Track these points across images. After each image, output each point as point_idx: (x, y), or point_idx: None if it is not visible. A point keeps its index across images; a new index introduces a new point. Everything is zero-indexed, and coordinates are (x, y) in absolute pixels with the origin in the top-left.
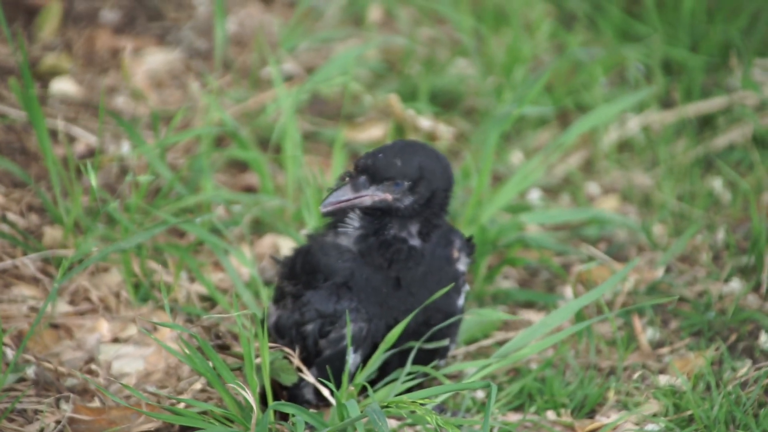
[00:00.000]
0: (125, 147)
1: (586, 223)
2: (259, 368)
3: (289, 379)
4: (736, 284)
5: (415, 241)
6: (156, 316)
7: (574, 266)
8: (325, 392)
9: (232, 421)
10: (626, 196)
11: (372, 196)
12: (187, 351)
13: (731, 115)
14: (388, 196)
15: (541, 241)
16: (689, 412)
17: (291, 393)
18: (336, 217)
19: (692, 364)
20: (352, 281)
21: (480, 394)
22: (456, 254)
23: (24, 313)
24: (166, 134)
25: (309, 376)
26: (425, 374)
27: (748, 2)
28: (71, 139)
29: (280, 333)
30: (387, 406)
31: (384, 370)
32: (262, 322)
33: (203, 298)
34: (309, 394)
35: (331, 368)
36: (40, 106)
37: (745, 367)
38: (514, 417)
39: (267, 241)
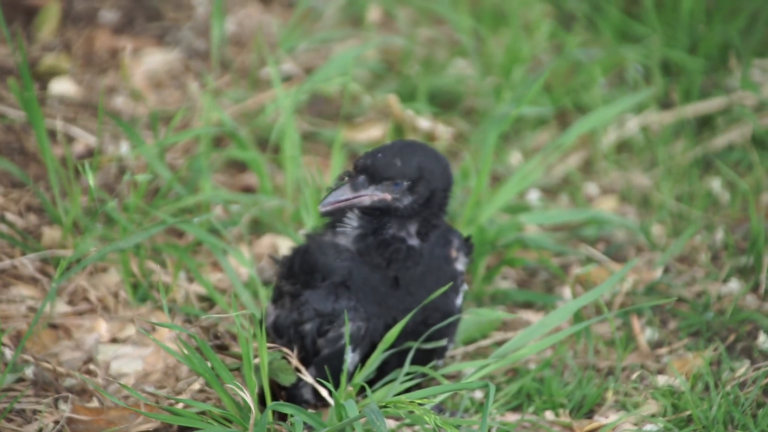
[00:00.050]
0: (124, 147)
1: (585, 223)
2: (257, 368)
3: (287, 380)
4: (734, 284)
5: (414, 241)
6: (154, 317)
7: (572, 267)
8: (324, 392)
9: (230, 422)
10: (625, 197)
11: (371, 195)
12: (185, 351)
13: (730, 116)
14: (388, 196)
15: (540, 242)
16: (688, 413)
17: (289, 393)
18: (335, 217)
19: (691, 365)
20: (350, 280)
21: (478, 395)
22: (454, 254)
23: (22, 313)
24: (165, 134)
25: (307, 377)
26: (424, 374)
27: (747, 3)
28: (70, 140)
29: (278, 332)
30: (385, 406)
31: (382, 370)
32: (261, 322)
33: (202, 299)
34: (307, 394)
35: (330, 368)
36: (39, 106)
37: (743, 368)
38: (512, 417)
39: (266, 242)
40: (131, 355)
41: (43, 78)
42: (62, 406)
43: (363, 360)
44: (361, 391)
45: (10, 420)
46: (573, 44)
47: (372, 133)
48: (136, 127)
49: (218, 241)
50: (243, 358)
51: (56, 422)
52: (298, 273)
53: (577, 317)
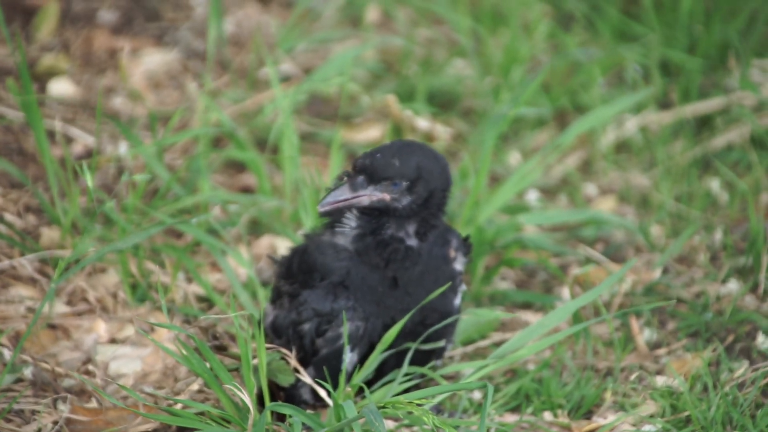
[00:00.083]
0: (123, 148)
1: (584, 223)
2: (256, 369)
3: (286, 380)
4: (733, 285)
5: (413, 241)
6: (153, 317)
7: (571, 267)
8: (322, 393)
9: (229, 422)
10: (624, 197)
11: (370, 196)
12: (184, 352)
13: (729, 116)
14: (386, 196)
15: (539, 242)
16: (686, 413)
17: (288, 393)
18: (333, 217)
19: (689, 365)
20: (348, 280)
21: (477, 395)
22: (453, 254)
23: (21, 313)
24: (164, 135)
25: (306, 377)
26: (422, 375)
27: (746, 3)
28: (69, 140)
29: (277, 332)
30: (384, 407)
31: (381, 371)
32: (259, 322)
33: (200, 299)
34: (306, 395)
35: (328, 367)
36: (38, 106)
37: (742, 368)
38: (511, 418)
39: (264, 242)
40: (130, 355)
41: (42, 78)
42: (61, 406)
43: (362, 360)
44: (360, 391)
45: (8, 420)
46: (572, 44)
47: (371, 134)
48: (135, 128)
49: (217, 242)
50: (242, 358)
51: (55, 423)
52: (296, 273)
53: (576, 318)
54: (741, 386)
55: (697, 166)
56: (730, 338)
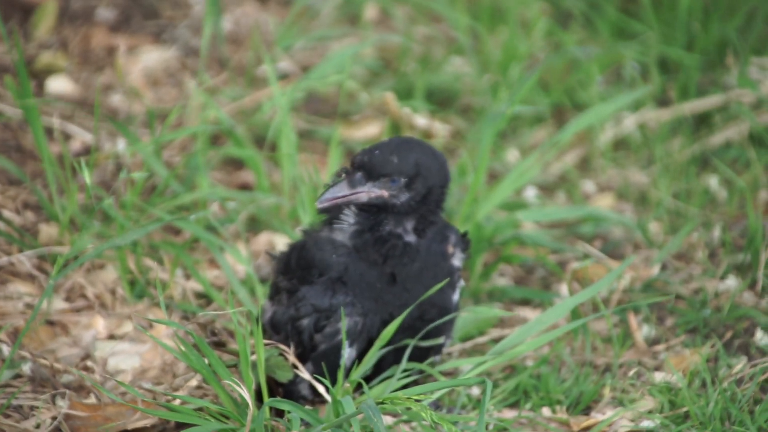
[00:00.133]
0: (121, 145)
1: (582, 220)
2: (254, 365)
3: (284, 376)
4: (731, 282)
5: (411, 237)
6: (152, 313)
7: (569, 264)
8: (321, 389)
9: (227, 418)
10: (622, 194)
11: (368, 192)
12: (182, 348)
13: (727, 113)
14: (385, 193)
15: (537, 239)
16: (685, 409)
17: (286, 389)
18: (332, 214)
19: (688, 361)
20: (346, 276)
21: (475, 391)
22: (451, 250)
23: (20, 309)
24: (162, 132)
25: (304, 373)
26: (421, 371)
27: (745, 0)
28: (67, 137)
29: (275, 328)
30: (382, 403)
31: (379, 367)
32: (258, 319)
33: (199, 295)
34: (305, 390)
35: (327, 363)
36: (36, 104)
37: (740, 364)
38: (509, 414)
39: (262, 239)
40: (128, 351)
41: (40, 76)
42: (60, 402)
43: (360, 356)
44: (358, 387)
45: (7, 416)
46: (570, 42)
47: (369, 131)
48: (133, 125)
49: (215, 239)
50: (240, 354)
51: (54, 418)
52: (294, 269)
53: (575, 314)
54: (739, 382)
55: (695, 163)
56: (729, 334)
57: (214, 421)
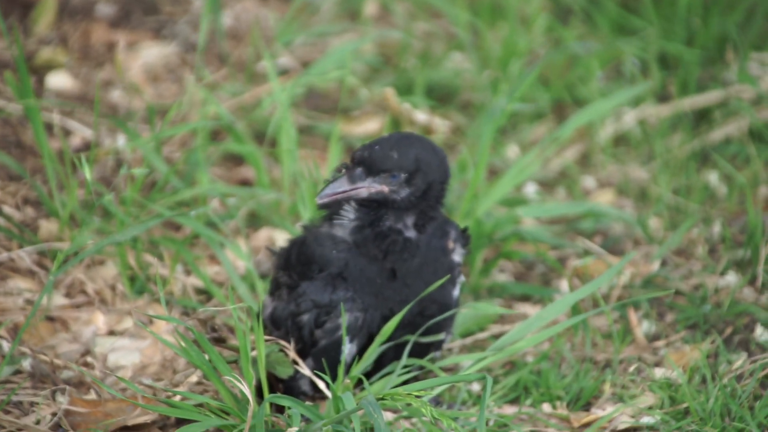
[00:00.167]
0: (121, 140)
1: (582, 216)
2: (255, 361)
3: (284, 372)
4: (731, 277)
5: (411, 233)
6: (152, 309)
7: (569, 260)
8: (321, 385)
9: (228, 414)
10: (622, 190)
11: (368, 188)
12: (183, 344)
13: (727, 109)
14: (385, 188)
15: (537, 235)
16: (685, 405)
17: (287, 385)
18: (332, 209)
19: (688, 357)
20: (346, 272)
21: (476, 387)
22: (451, 245)
23: (20, 305)
24: (162, 128)
25: (305, 369)
26: (421, 367)
27: None
28: (67, 133)
29: (275, 324)
30: (383, 399)
31: (380, 363)
32: (258, 314)
33: (199, 291)
34: (305, 386)
35: (327, 359)
36: (36, 99)
37: (740, 360)
38: (509, 410)
39: (263, 235)
40: (128, 347)
41: (40, 71)
42: (60, 398)
43: (360, 351)
44: (359, 383)
45: (7, 412)
46: (570, 38)
47: (369, 127)
48: (133, 121)
49: (215, 234)
50: (240, 350)
51: (54, 414)
52: (295, 264)
53: (575, 310)
54: (739, 378)
55: (695, 159)
56: (729, 330)
57: (215, 417)
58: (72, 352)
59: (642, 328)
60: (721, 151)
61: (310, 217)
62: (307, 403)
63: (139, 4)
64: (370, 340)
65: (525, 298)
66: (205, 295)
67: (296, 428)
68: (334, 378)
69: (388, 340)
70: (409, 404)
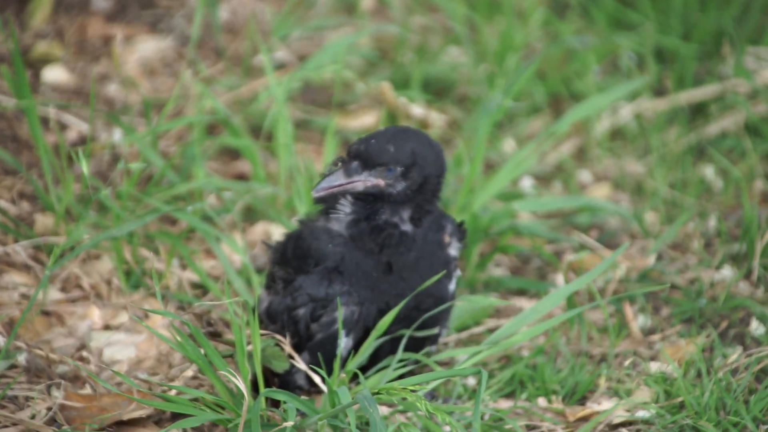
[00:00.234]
0: (117, 135)
1: (578, 210)
2: (250, 355)
3: (280, 366)
4: (727, 271)
5: (407, 227)
6: (147, 304)
7: (565, 254)
8: (317, 379)
9: (223, 408)
10: (618, 184)
11: (364, 181)
12: (178, 338)
13: (723, 103)
14: (381, 182)
15: (533, 229)
16: (680, 399)
17: (283, 379)
18: (328, 203)
19: (683, 351)
20: (342, 265)
21: (471, 381)
22: (447, 239)
23: (15, 300)
24: (158, 122)
25: (300, 363)
26: (416, 361)
27: None
28: (63, 127)
29: (271, 318)
30: (378, 393)
31: (375, 357)
32: (254, 309)
33: (195, 286)
34: (301, 380)
35: (323, 353)
36: (32, 93)
37: (735, 354)
38: (505, 404)
39: (259, 229)
40: (124, 341)
41: (36, 65)
42: (55, 392)
43: (356, 345)
44: (354, 377)
45: (2, 407)
46: (567, 32)
47: (365, 121)
48: (129, 115)
49: (211, 229)
50: (236, 344)
51: (49, 409)
52: (291, 258)
53: (570, 304)
54: (734, 372)
55: (691, 153)
56: (724, 324)
57: (210, 411)
58: (67, 346)
59: (637, 322)
60: (717, 145)
61: (307, 211)
62: (303, 397)
63: None
64: (366, 334)
65: (521, 292)
66: (201, 289)
67: (292, 422)
68: (329, 372)
69: (384, 334)
70: (404, 398)
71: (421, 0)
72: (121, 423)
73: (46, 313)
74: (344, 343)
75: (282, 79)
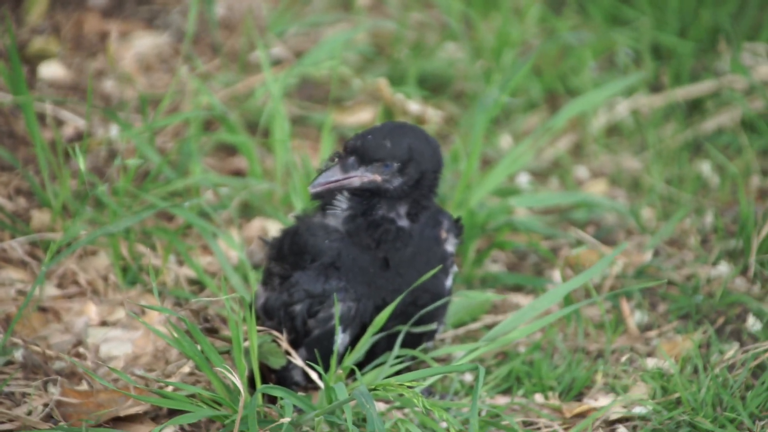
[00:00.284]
0: (114, 130)
1: (575, 206)
2: (247, 351)
3: (277, 362)
4: (724, 268)
5: (404, 222)
6: (144, 300)
7: (562, 250)
8: (314, 375)
9: (220, 404)
10: (615, 180)
11: (361, 177)
12: (175, 334)
13: (720, 99)
14: (377, 178)
15: (530, 225)
16: (677, 395)
17: (279, 375)
18: (324, 199)
19: (680, 347)
20: (339, 261)
21: (468, 377)
22: (444, 235)
23: (12, 296)
24: (155, 118)
25: (297, 359)
26: (413, 357)
27: None
28: (59, 123)
29: (268, 314)
30: (375, 389)
31: (372, 353)
32: (251, 305)
33: (191, 282)
34: (298, 377)
35: (320, 349)
36: (28, 89)
37: (732, 350)
38: (502, 400)
39: (255, 225)
40: (121, 338)
41: (32, 61)
42: (51, 388)
43: (353, 341)
44: (351, 373)
45: None
46: (563, 28)
47: (362, 117)
48: (126, 111)
49: (208, 225)
50: (233, 341)
51: (45, 405)
52: (287, 254)
53: (567, 300)
54: (731, 368)
55: (688, 149)
56: (721, 320)
57: (207, 407)
58: (64, 342)
59: (634, 318)
60: (713, 141)
61: (303, 207)
62: (300, 393)
63: None
64: (362, 329)
65: (518, 289)
66: (197, 285)
67: (288, 419)
68: (326, 368)
69: (381, 330)
70: (401, 395)
71: None
72: (117, 419)
73: (42, 310)
74: (341, 339)
75: (279, 75)
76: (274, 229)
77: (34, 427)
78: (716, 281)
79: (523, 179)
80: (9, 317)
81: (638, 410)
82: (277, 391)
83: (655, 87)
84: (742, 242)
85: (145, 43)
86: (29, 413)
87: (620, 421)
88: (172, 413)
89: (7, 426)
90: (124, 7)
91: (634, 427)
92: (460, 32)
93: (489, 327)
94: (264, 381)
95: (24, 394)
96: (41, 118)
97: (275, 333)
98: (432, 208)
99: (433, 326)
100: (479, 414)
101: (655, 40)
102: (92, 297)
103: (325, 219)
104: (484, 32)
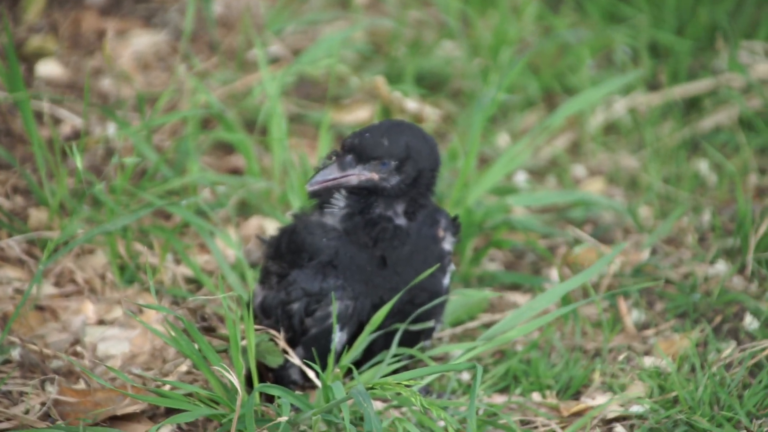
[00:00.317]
0: (111, 129)
1: (573, 205)
2: (244, 350)
3: (274, 361)
4: (721, 266)
5: (401, 220)
6: (141, 298)
7: (560, 248)
8: (311, 374)
9: (217, 403)
10: (612, 179)
11: (358, 175)
12: (172, 333)
13: (717, 98)
14: (375, 176)
15: (527, 224)
16: (674, 394)
17: (277, 374)
18: (322, 198)
19: (677, 346)
20: (337, 260)
21: (466, 376)
22: (442, 233)
23: (9, 295)
24: (152, 116)
25: (295, 358)
26: (411, 356)
27: None
28: (57, 121)
29: (265, 313)
30: (372, 388)
31: (370, 352)
32: (248, 304)
33: (189, 280)
34: (295, 375)
35: (317, 347)
36: (26, 87)
37: (729, 349)
38: (499, 399)
39: (253, 223)
40: (118, 336)
41: (30, 59)
42: (49, 387)
43: (350, 340)
44: (348, 372)
45: None
46: (561, 26)
47: (359, 115)
48: (123, 109)
49: (205, 223)
50: (230, 339)
51: (43, 404)
52: (285, 253)
53: (565, 299)
54: (728, 367)
55: (685, 147)
56: (718, 319)
57: (204, 406)
58: (61, 341)
59: (631, 316)
60: (711, 140)
61: (301, 205)
62: (297, 392)
63: None
64: (360, 328)
65: (515, 287)
66: (195, 284)
67: (286, 417)
68: (324, 367)
69: (378, 328)
70: (398, 393)
71: None
72: (115, 418)
73: (39, 308)
74: (338, 337)
75: (276, 73)
76: (271, 227)
77: (31, 425)
78: (713, 280)
79: (521, 178)
80: (6, 316)
81: (635, 409)
82: (274, 390)
83: (653, 85)
84: (740, 241)
85: (143, 41)
86: (27, 412)
87: (617, 419)
88: (170, 412)
89: (5, 425)
90: (121, 5)
91: (632, 426)
92: (458, 30)
93: (486, 326)
94: (261, 380)
95: (21, 393)
96: (38, 116)
97: (273, 332)
98: (429, 207)
99: (430, 325)
100: (477, 413)
101: (652, 38)
102: (89, 295)
103: (322, 217)
104: (481, 30)
